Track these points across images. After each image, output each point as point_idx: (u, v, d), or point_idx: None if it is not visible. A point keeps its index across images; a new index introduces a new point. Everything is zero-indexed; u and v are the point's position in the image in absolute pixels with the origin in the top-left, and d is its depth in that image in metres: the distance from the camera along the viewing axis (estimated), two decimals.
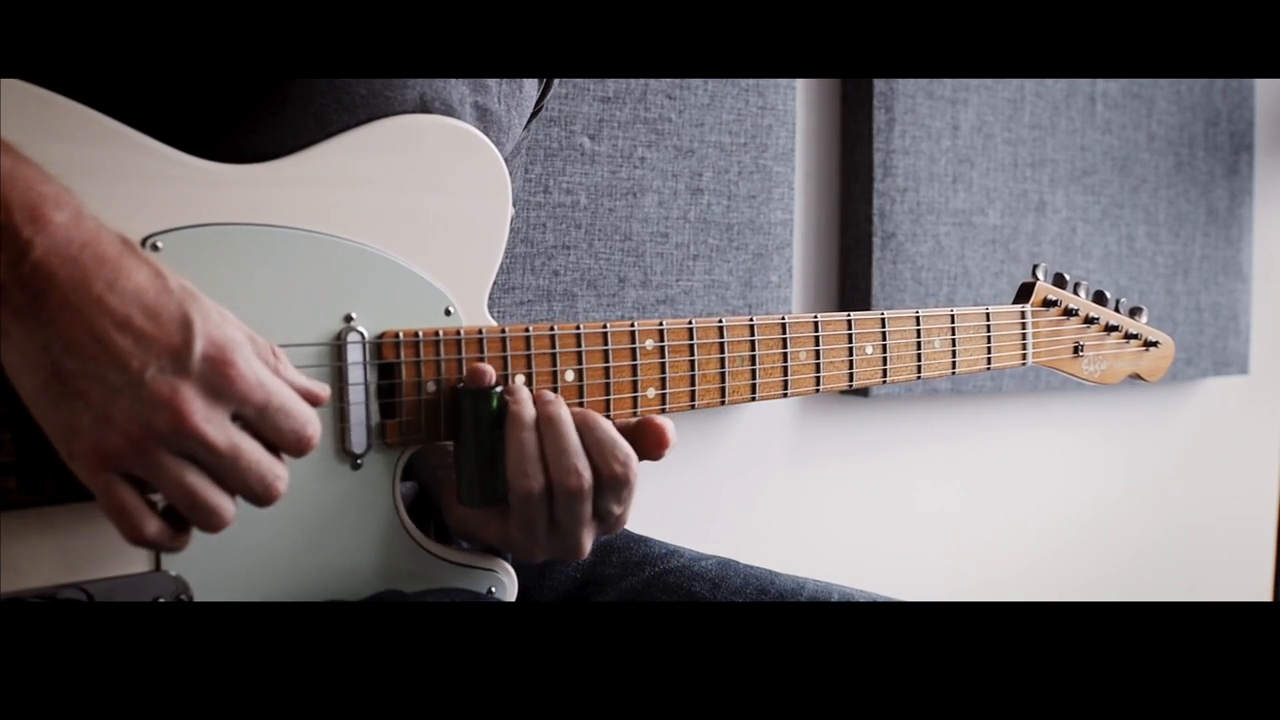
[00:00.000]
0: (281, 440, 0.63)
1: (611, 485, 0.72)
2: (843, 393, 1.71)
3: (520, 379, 0.76)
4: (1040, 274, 1.08)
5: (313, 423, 0.64)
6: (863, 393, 1.67)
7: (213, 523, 0.61)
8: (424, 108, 0.77)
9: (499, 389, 0.73)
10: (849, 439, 1.76)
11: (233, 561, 0.70)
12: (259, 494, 0.62)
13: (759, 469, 1.69)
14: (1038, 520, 1.99)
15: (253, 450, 0.61)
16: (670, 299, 1.49)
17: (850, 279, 1.69)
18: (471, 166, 0.77)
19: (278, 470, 0.63)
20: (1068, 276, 1.10)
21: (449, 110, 0.79)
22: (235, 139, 0.70)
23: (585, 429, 0.73)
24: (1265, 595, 2.28)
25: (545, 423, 0.72)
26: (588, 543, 0.75)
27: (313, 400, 0.66)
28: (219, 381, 0.59)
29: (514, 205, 1.06)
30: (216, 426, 0.59)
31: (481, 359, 0.75)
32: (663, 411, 0.82)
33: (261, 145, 0.71)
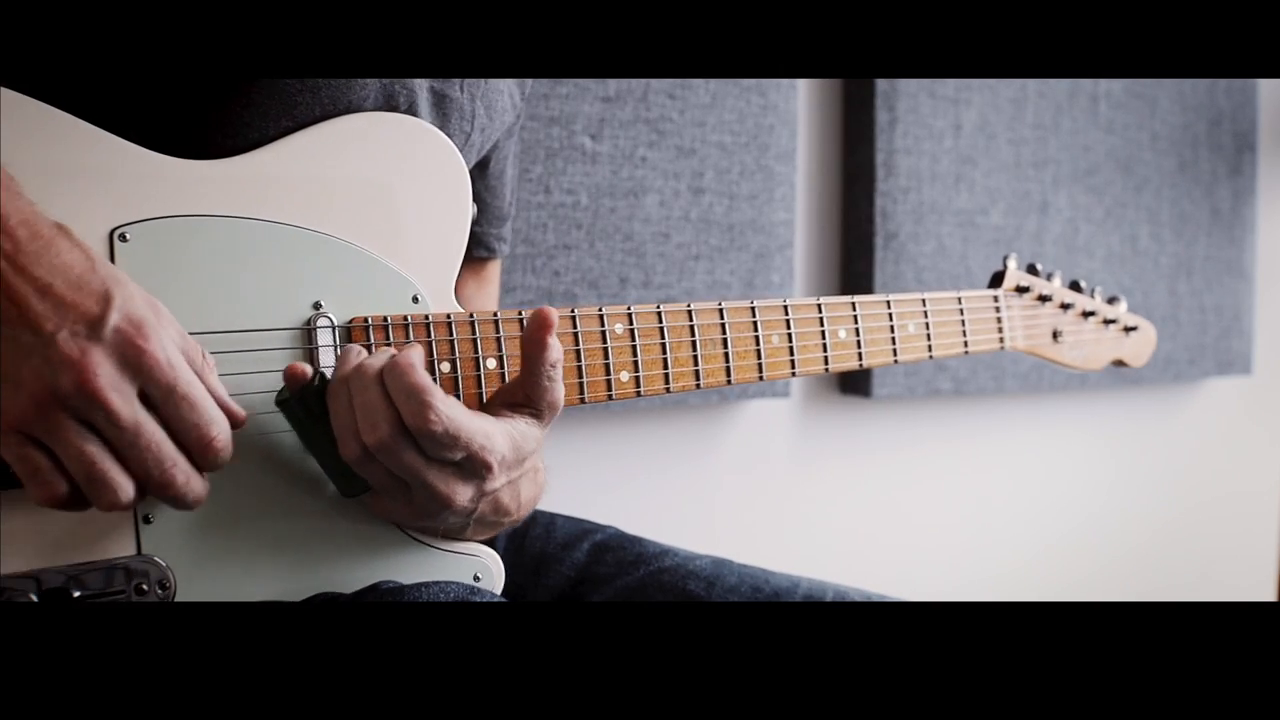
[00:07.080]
0: (183, 431, 0.63)
1: (419, 434, 0.67)
2: (843, 392, 1.71)
3: (355, 345, 0.72)
4: (1012, 263, 1.09)
5: (217, 424, 0.64)
6: (864, 392, 1.67)
7: (107, 498, 0.61)
8: (389, 94, 0.79)
9: (316, 379, 0.70)
10: (849, 439, 1.76)
11: (216, 550, 0.71)
12: (155, 478, 0.62)
13: (759, 469, 1.68)
14: (1039, 520, 1.99)
15: (155, 432, 0.61)
16: (671, 299, 1.48)
17: (852, 279, 1.69)
18: (429, 160, 0.80)
19: (176, 459, 0.63)
20: (1039, 266, 1.11)
21: (411, 95, 0.81)
22: (203, 134, 0.72)
23: (388, 376, 0.68)
24: (1269, 595, 2.28)
25: (350, 380, 0.69)
26: (452, 491, 0.71)
27: (231, 417, 0.66)
28: (130, 352, 0.60)
29: (513, 206, 1.07)
30: (122, 397, 0.60)
31: (451, 343, 0.76)
32: (638, 395, 0.84)
33: (229, 139, 0.73)
